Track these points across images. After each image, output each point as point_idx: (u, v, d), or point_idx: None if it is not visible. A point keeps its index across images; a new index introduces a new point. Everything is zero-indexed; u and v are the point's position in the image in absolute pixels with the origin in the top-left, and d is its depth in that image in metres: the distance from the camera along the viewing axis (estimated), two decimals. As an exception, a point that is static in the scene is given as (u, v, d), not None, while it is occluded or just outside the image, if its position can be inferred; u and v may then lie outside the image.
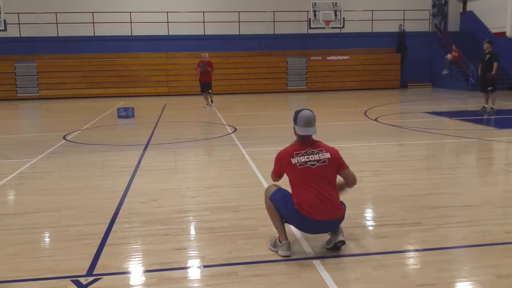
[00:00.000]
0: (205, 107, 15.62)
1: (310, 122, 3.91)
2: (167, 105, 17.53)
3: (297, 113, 3.98)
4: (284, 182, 4.06)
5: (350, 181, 4.04)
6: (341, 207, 3.90)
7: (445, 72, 21.97)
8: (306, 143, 3.94)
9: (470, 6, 24.28)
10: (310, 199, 3.77)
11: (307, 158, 3.85)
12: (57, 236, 4.49)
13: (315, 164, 3.84)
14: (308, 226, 3.86)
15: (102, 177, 6.77)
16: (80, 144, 9.46)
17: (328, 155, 3.90)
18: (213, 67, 15.71)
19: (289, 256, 3.83)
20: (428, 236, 4.23)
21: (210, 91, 15.80)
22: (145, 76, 22.30)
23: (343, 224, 4.16)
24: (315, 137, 4.01)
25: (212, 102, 16.04)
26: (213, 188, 6.02)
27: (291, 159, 3.86)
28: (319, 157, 3.87)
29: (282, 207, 3.89)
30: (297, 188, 3.86)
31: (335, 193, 3.90)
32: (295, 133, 4.00)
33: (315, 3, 22.02)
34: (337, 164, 3.94)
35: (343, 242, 3.89)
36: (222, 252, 3.97)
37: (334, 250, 3.91)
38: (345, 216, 3.95)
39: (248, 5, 22.89)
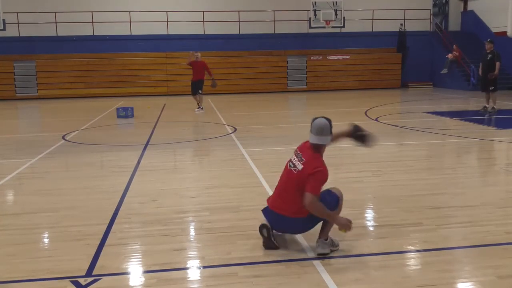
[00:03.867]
0: (196, 111, 14.79)
1: (320, 131, 3.87)
2: (167, 105, 17.51)
3: (312, 120, 3.98)
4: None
5: (304, 202, 3.77)
6: (288, 212, 3.89)
7: (444, 71, 21.94)
8: (313, 147, 3.96)
9: (471, 6, 24.26)
10: (275, 193, 4.08)
11: (294, 159, 4.00)
12: (56, 237, 4.47)
13: (291, 166, 3.97)
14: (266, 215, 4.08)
15: (101, 178, 6.74)
16: (79, 144, 9.44)
17: (300, 167, 3.87)
18: (207, 67, 14.91)
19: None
20: (428, 237, 4.21)
21: (200, 91, 14.88)
22: (144, 76, 22.27)
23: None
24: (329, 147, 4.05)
25: (201, 105, 15.06)
26: (213, 188, 6.00)
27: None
28: (295, 163, 3.94)
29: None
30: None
31: (291, 201, 3.87)
32: None
33: (315, 2, 21.98)
34: (303, 180, 3.80)
35: (321, 255, 3.81)
36: (222, 252, 3.95)
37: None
38: (301, 226, 3.97)
39: (248, 4, 22.86)
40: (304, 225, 3.95)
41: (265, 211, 4.08)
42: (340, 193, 4.02)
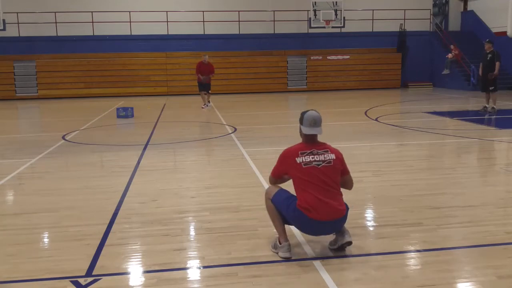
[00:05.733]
0: (203, 107, 15.60)
1: (316, 122, 3.91)
2: (167, 105, 17.52)
3: (303, 113, 3.97)
4: (288, 184, 4.04)
5: (348, 186, 4.13)
6: (344, 207, 3.87)
7: (445, 72, 21.95)
8: (311, 143, 3.93)
9: (471, 6, 24.27)
10: (312, 200, 3.73)
11: (312, 158, 3.84)
12: (56, 237, 4.47)
13: (320, 164, 3.83)
14: (310, 227, 3.83)
15: (101, 178, 6.74)
16: (79, 144, 9.44)
17: (333, 156, 3.91)
18: (213, 69, 15.79)
19: (289, 258, 3.81)
20: (428, 237, 4.21)
21: (210, 91, 15.87)
22: (144, 76, 22.29)
23: (345, 224, 4.14)
24: (320, 138, 4.00)
25: (209, 102, 16.10)
26: (213, 188, 6.00)
27: (296, 158, 3.85)
28: (324, 157, 3.86)
29: (284, 209, 3.87)
30: (301, 188, 3.82)
31: (339, 193, 3.88)
32: (301, 134, 3.99)
33: (315, 2, 21.97)
34: (340, 166, 3.96)
35: (349, 243, 3.86)
36: (222, 252, 3.95)
37: (338, 251, 3.89)
38: (347, 217, 3.92)
39: (248, 4, 22.86)
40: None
41: (310, 226, 3.83)
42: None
